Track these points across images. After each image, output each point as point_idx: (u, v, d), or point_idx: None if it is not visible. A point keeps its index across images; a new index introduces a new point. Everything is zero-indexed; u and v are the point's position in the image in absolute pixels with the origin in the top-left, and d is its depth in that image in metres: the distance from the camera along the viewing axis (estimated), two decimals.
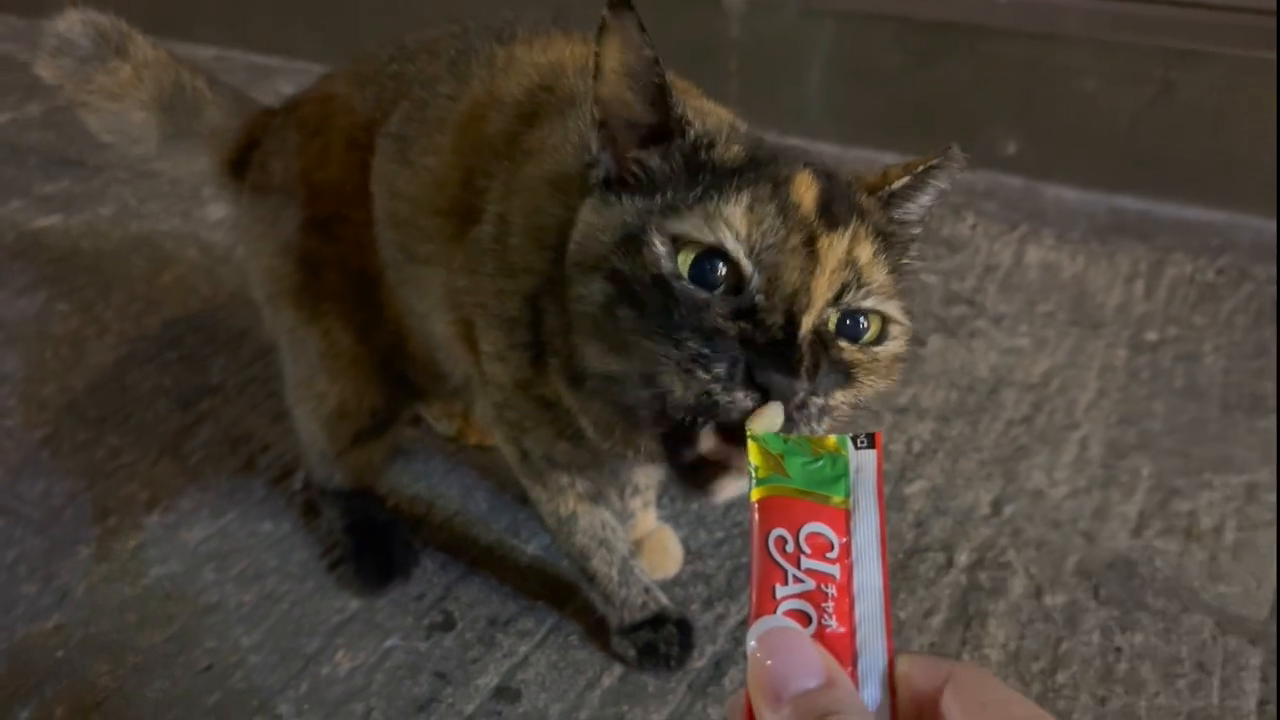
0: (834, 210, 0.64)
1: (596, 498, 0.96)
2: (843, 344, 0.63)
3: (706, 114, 0.79)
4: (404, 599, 1.08)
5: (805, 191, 0.64)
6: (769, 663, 0.39)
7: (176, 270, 1.66)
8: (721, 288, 0.61)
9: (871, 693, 0.40)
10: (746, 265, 0.61)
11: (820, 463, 0.44)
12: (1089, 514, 1.17)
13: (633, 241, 0.64)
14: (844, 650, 0.40)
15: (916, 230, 0.72)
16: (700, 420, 0.61)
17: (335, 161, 0.98)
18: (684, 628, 1.01)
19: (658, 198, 0.65)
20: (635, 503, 1.08)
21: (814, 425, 0.61)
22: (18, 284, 1.62)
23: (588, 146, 0.70)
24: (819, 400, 0.61)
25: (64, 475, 1.25)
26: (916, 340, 1.47)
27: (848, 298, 0.62)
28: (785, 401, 0.58)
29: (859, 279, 0.63)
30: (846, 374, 0.63)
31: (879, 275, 0.64)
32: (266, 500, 1.21)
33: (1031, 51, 1.83)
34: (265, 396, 1.37)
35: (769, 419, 0.57)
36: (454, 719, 0.96)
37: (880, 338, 0.65)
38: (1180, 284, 1.60)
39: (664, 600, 1.02)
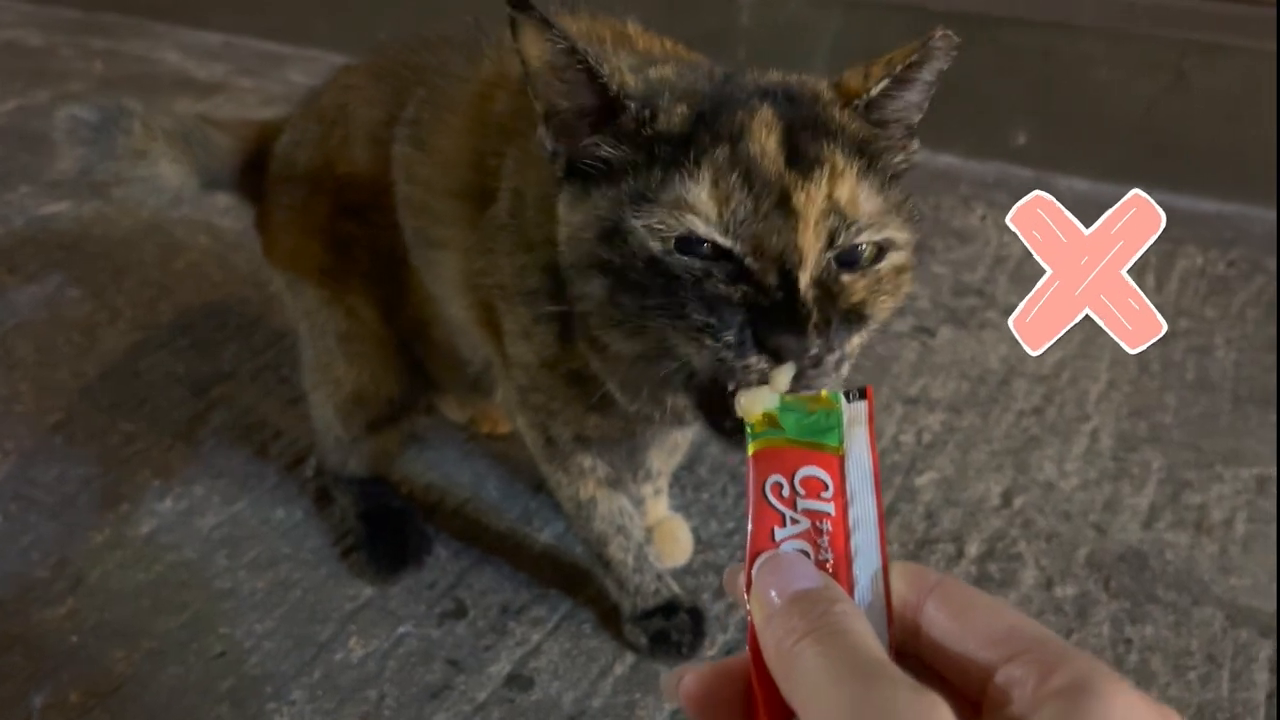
0: (802, 148, 0.62)
1: (615, 483, 0.96)
2: (844, 278, 0.62)
3: (656, 59, 0.74)
4: (416, 586, 1.09)
5: (767, 138, 0.62)
6: (768, 578, 0.40)
7: (188, 257, 1.66)
8: (710, 257, 0.61)
9: (869, 610, 0.41)
10: (726, 242, 0.61)
11: (814, 417, 0.46)
12: (1100, 506, 1.18)
13: (614, 233, 0.63)
14: (842, 578, 0.42)
15: (916, 117, 0.69)
16: (729, 387, 0.61)
17: (359, 151, 0.98)
18: (696, 616, 1.02)
19: (623, 185, 0.64)
20: (647, 488, 1.09)
21: (831, 378, 0.61)
22: (29, 270, 1.62)
23: (543, 142, 0.68)
24: (835, 355, 0.61)
25: (77, 461, 1.25)
26: (926, 331, 1.48)
27: (840, 241, 0.61)
28: (798, 360, 0.58)
29: (845, 220, 0.61)
30: (859, 315, 0.63)
31: (867, 205, 0.62)
32: (279, 487, 1.22)
33: (1044, 41, 1.82)
34: (277, 383, 1.37)
35: (778, 382, 0.57)
36: (466, 706, 0.97)
37: (879, 256, 0.64)
38: (1191, 276, 1.60)
39: (676, 588, 1.03)
